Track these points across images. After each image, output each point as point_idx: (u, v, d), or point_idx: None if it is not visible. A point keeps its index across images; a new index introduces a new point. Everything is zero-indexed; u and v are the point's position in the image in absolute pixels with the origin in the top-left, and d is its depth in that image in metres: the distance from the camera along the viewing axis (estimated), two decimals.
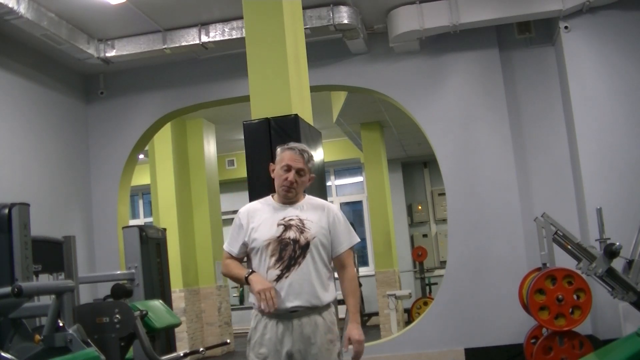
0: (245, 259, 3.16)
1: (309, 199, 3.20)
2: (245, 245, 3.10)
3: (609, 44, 6.62)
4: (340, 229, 3.13)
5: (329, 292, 3.10)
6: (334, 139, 12.43)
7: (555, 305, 5.50)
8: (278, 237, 3.02)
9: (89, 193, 7.72)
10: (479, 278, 6.84)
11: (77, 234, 5.02)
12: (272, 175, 3.17)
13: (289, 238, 3.02)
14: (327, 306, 3.08)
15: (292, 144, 3.19)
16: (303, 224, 3.05)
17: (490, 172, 6.97)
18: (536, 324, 5.86)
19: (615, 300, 5.59)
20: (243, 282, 3.06)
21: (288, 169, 3.09)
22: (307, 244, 3.02)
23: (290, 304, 2.97)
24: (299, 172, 3.10)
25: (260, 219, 3.09)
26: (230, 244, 3.16)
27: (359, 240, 3.25)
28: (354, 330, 3.05)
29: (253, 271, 3.05)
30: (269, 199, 3.20)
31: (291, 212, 3.09)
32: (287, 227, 3.04)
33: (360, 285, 9.51)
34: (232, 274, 3.13)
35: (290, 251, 3.00)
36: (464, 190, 7.03)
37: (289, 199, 3.12)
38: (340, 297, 3.26)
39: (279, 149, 3.20)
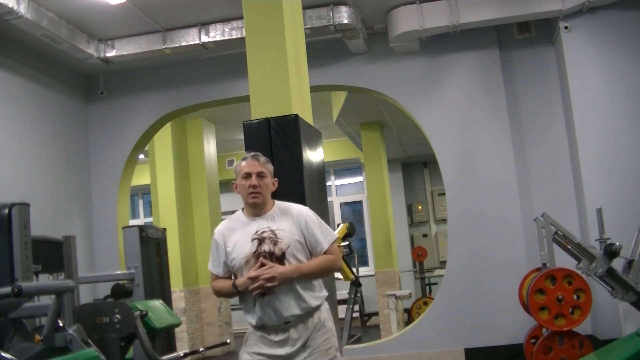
0: (232, 276, 3.17)
1: (279, 205, 3.18)
2: (226, 265, 3.13)
3: (609, 44, 6.62)
4: (314, 230, 3.11)
5: (317, 293, 3.11)
6: (334, 139, 12.43)
7: (555, 305, 5.49)
8: (254, 252, 3.03)
9: (89, 193, 7.72)
10: (479, 278, 6.84)
11: (77, 234, 5.02)
12: (236, 192, 3.17)
13: (264, 251, 3.02)
14: (317, 307, 3.09)
15: (245, 155, 3.21)
16: (275, 234, 3.05)
17: (490, 172, 6.97)
18: (536, 324, 5.86)
19: (615, 300, 5.59)
20: (232, 290, 3.08)
21: (248, 176, 3.10)
22: (283, 255, 3.03)
23: (282, 317, 2.99)
24: (259, 175, 3.10)
25: (234, 238, 3.10)
26: (214, 266, 3.19)
27: (336, 235, 3.24)
28: (280, 267, 2.99)
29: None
30: (239, 214, 3.19)
31: (262, 224, 3.08)
32: (261, 240, 3.04)
33: (360, 285, 9.49)
34: (222, 290, 3.15)
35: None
36: (464, 190, 7.03)
37: (258, 207, 3.11)
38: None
39: (234, 166, 3.23)
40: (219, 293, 3.20)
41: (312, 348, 3.02)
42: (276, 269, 2.96)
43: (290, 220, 3.11)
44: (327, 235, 3.15)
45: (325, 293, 3.16)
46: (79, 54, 6.87)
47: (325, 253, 3.11)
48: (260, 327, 3.04)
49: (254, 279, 2.96)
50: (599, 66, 6.61)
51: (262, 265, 2.98)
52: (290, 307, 2.99)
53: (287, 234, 3.06)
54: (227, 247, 3.11)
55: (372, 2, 6.69)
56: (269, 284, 2.95)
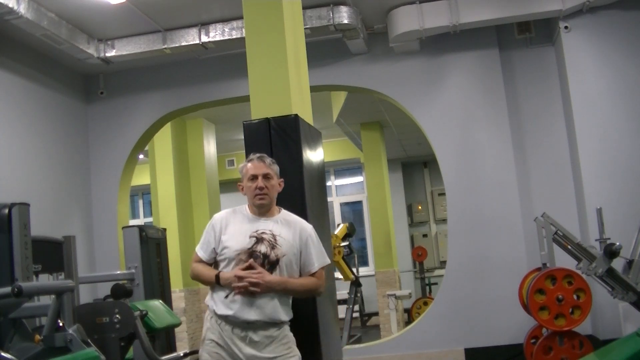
0: (213, 265, 3.18)
1: (285, 215, 3.20)
2: (215, 251, 3.12)
3: (609, 44, 6.61)
4: (312, 250, 3.14)
5: (288, 312, 3.14)
6: (334, 139, 12.43)
7: (555, 305, 5.49)
8: (249, 249, 3.04)
9: (89, 193, 7.72)
10: (479, 278, 6.84)
11: (77, 234, 5.02)
12: (243, 193, 3.17)
13: (259, 251, 3.03)
14: (285, 323, 3.11)
15: (251, 156, 3.23)
16: (275, 239, 3.06)
17: (490, 172, 6.97)
18: (536, 324, 5.86)
19: (615, 300, 5.59)
20: (213, 281, 3.08)
21: (254, 178, 3.11)
22: (277, 261, 3.04)
23: (249, 316, 3.00)
24: (265, 176, 3.13)
25: (233, 229, 3.11)
26: (202, 248, 3.19)
27: (328, 261, 3.27)
28: (268, 276, 3.01)
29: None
30: (243, 208, 3.21)
31: (265, 225, 3.10)
32: (259, 239, 3.05)
33: (360, 285, 9.51)
34: (202, 276, 3.15)
35: (259, 265, 3.02)
36: (464, 190, 7.03)
37: (264, 208, 3.12)
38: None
39: (240, 167, 3.24)
40: (197, 277, 3.20)
41: (275, 354, 3.04)
42: (264, 277, 2.98)
43: (293, 232, 3.13)
44: (321, 259, 3.18)
45: (291, 316, 3.16)
46: (79, 54, 6.87)
47: (313, 274, 3.14)
48: (222, 317, 3.05)
49: (240, 278, 2.96)
50: (599, 66, 6.61)
51: (250, 267, 2.99)
52: (258, 312, 3.00)
53: (287, 244, 3.07)
54: (223, 234, 3.11)
55: (372, 2, 6.69)
56: (252, 288, 2.95)
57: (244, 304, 3.00)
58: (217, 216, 3.21)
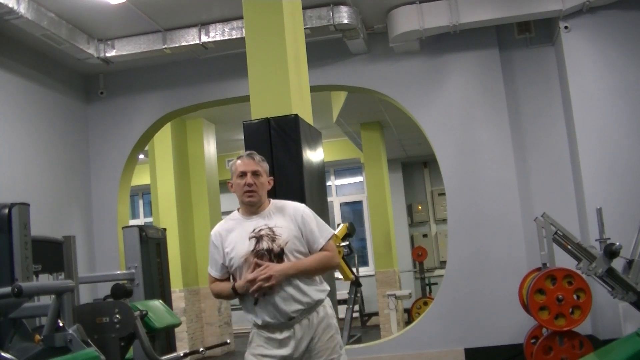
0: (231, 277, 3.17)
1: (275, 203, 3.18)
2: (224, 266, 3.13)
3: (609, 44, 6.61)
4: (311, 227, 3.10)
5: (319, 287, 3.11)
6: (334, 139, 12.43)
7: (555, 305, 5.49)
8: (252, 250, 3.02)
9: (89, 193, 7.72)
10: (479, 278, 6.84)
11: (77, 234, 5.02)
12: (232, 190, 3.17)
13: (263, 249, 3.01)
14: (320, 301, 3.08)
15: (241, 154, 3.21)
16: (273, 232, 3.04)
17: (490, 172, 6.97)
18: (536, 324, 5.86)
19: (615, 300, 5.59)
20: (232, 293, 3.09)
21: (243, 174, 3.10)
22: (282, 251, 3.02)
23: (285, 313, 2.98)
24: (254, 173, 3.10)
25: (232, 239, 3.09)
26: (212, 267, 3.20)
27: (333, 232, 3.23)
28: (276, 265, 2.98)
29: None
30: (234, 214, 3.19)
31: (259, 222, 3.08)
32: (258, 238, 3.04)
33: (360, 285, 9.49)
34: (223, 292, 3.16)
35: (267, 261, 3.01)
36: (464, 190, 7.03)
37: (254, 205, 3.11)
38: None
39: (230, 165, 3.22)
40: (219, 295, 3.22)
41: (318, 347, 3.01)
42: (272, 268, 2.95)
43: (287, 217, 3.10)
44: (324, 232, 3.14)
45: (327, 287, 3.14)
46: (79, 54, 6.87)
47: (322, 249, 3.11)
48: (264, 326, 3.02)
49: (251, 282, 2.96)
50: (599, 66, 6.61)
51: (257, 265, 2.98)
52: (292, 303, 2.97)
53: (285, 230, 3.05)
54: (225, 247, 3.11)
55: (372, 2, 6.69)
56: (266, 284, 2.94)
57: (274, 302, 2.97)
58: (213, 232, 3.21)
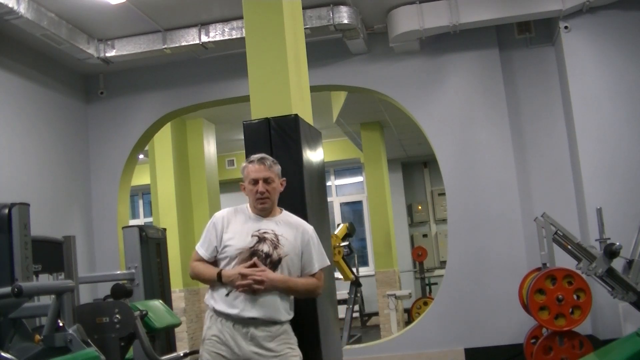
0: (217, 263, 3.18)
1: (286, 216, 3.21)
2: (216, 250, 3.12)
3: (609, 44, 6.61)
4: (313, 251, 3.16)
5: (289, 311, 3.15)
6: (334, 139, 12.43)
7: (555, 305, 5.49)
8: (251, 247, 3.04)
9: (89, 193, 7.72)
10: (479, 278, 6.84)
11: (77, 234, 5.01)
12: (244, 193, 3.18)
13: (261, 251, 3.04)
14: (285, 322, 3.12)
15: (252, 157, 3.22)
16: (278, 239, 3.08)
17: (490, 172, 6.97)
18: (536, 324, 5.86)
19: (615, 300, 5.59)
20: (214, 279, 3.08)
21: (255, 182, 3.11)
22: (279, 260, 3.05)
23: (251, 313, 3.00)
24: (266, 180, 3.13)
25: (234, 228, 3.11)
26: (203, 247, 3.18)
27: (329, 263, 3.29)
28: (272, 274, 3.02)
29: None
30: (244, 207, 3.21)
31: (267, 225, 3.11)
32: (261, 239, 3.06)
33: (360, 285, 9.51)
34: (203, 274, 3.15)
35: (262, 264, 3.03)
36: (464, 190, 7.03)
37: (266, 210, 3.13)
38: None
39: (242, 167, 3.23)
40: (197, 275, 3.20)
41: (277, 352, 3.05)
42: (267, 274, 2.99)
43: (295, 233, 3.14)
44: (321, 260, 3.21)
45: (292, 315, 3.18)
46: (79, 54, 6.87)
47: (313, 275, 3.16)
48: (225, 315, 3.05)
49: (243, 276, 2.97)
50: (599, 66, 6.61)
51: (254, 265, 2.99)
52: (263, 311, 3.01)
53: (289, 244, 3.09)
54: (226, 233, 3.11)
55: (372, 2, 6.69)
56: (255, 286, 2.96)
57: (246, 302, 3.00)
58: (219, 214, 3.21)
